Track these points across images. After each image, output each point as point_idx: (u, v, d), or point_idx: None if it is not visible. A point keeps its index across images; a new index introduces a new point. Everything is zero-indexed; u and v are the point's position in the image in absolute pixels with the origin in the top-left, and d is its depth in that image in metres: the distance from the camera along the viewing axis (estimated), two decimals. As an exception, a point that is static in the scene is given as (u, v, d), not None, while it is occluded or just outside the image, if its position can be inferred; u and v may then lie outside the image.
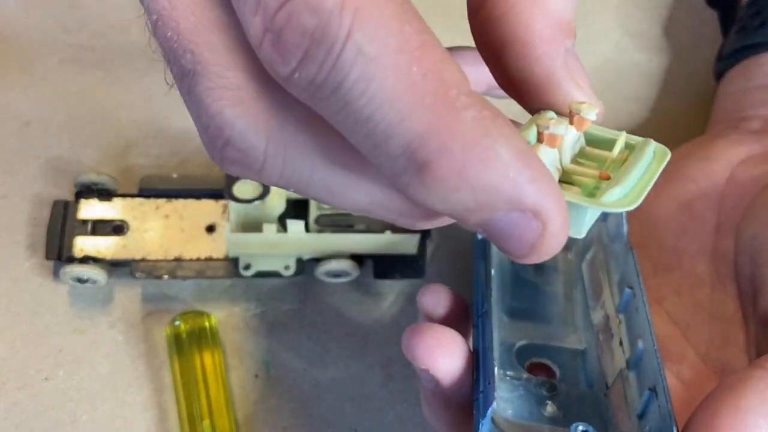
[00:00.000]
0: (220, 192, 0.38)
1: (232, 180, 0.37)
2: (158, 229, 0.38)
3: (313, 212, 0.38)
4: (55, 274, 0.39)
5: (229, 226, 0.37)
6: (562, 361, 0.32)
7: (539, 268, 0.35)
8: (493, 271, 0.32)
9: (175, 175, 0.40)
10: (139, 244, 0.38)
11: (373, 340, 0.38)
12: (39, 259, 0.39)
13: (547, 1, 0.22)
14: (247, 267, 0.37)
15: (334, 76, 0.18)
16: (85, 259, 0.37)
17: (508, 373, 0.31)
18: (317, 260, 0.38)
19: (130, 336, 0.37)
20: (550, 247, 0.19)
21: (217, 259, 0.38)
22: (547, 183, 0.18)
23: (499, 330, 0.33)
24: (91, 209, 0.39)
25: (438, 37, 0.18)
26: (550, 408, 0.30)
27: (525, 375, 0.31)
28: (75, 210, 0.39)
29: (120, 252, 0.38)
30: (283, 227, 0.37)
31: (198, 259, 0.38)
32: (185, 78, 0.21)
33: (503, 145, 0.18)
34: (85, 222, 0.38)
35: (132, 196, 0.39)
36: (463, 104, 0.18)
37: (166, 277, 0.37)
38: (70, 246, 0.38)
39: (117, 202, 0.39)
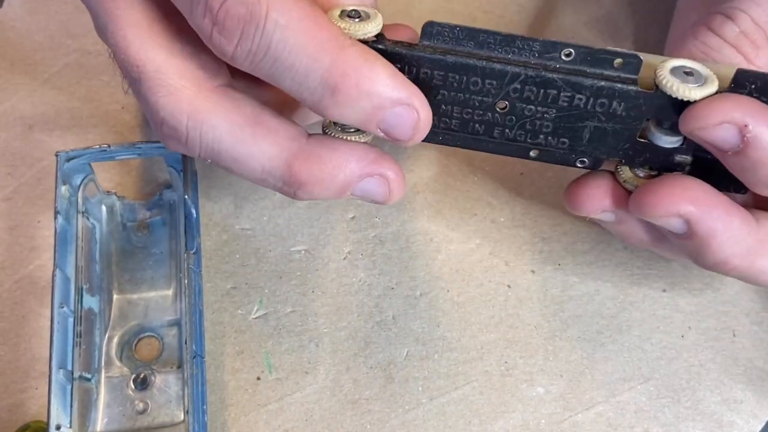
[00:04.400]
0: None
1: None
2: None
3: None
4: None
5: None
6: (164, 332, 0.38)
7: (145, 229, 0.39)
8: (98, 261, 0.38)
9: None
10: None
11: (374, 343, 0.38)
12: (43, 262, 0.40)
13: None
14: None
15: (264, 42, 0.27)
16: None
17: (109, 374, 0.36)
18: None
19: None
20: (424, 128, 0.29)
21: None
22: (412, 87, 0.28)
23: (103, 321, 0.37)
24: None
25: None
26: (140, 405, 0.35)
27: (125, 370, 0.36)
28: None
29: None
30: None
31: None
32: (134, 83, 0.30)
33: (380, 67, 0.27)
34: None
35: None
36: (349, 44, 0.27)
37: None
38: None
39: None
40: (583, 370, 0.38)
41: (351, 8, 0.29)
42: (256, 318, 0.39)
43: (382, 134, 0.29)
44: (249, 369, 0.38)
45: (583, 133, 0.31)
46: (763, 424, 0.37)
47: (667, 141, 0.30)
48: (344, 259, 0.40)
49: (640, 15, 0.47)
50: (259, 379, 0.38)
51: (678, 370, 0.38)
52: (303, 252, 0.40)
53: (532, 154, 0.32)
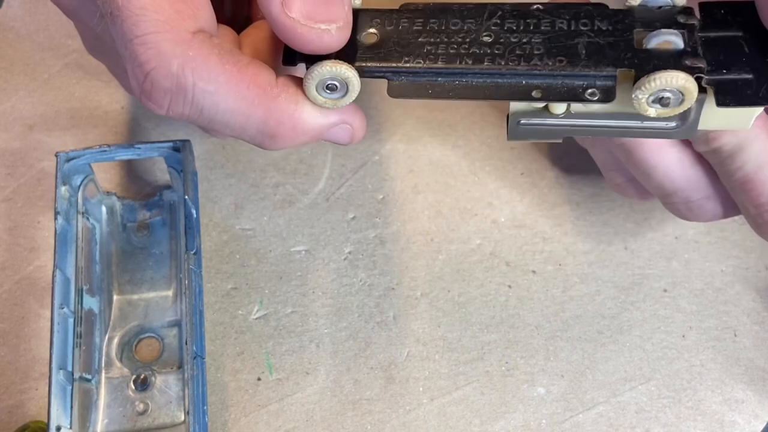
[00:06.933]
0: None
1: None
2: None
3: None
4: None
5: None
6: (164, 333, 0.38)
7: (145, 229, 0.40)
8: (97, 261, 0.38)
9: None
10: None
11: (375, 344, 0.38)
12: (42, 262, 0.40)
13: None
14: None
15: (195, 108, 0.28)
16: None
17: (109, 374, 0.36)
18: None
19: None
20: (360, 134, 0.32)
21: None
22: (339, 110, 0.30)
23: (102, 323, 0.37)
24: None
25: None
26: (140, 406, 0.36)
27: (125, 371, 0.37)
28: None
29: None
30: None
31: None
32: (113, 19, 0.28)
33: (307, 105, 0.29)
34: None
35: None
36: (276, 93, 0.29)
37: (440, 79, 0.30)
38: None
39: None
40: (584, 370, 0.38)
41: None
42: (256, 318, 0.39)
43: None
44: (249, 370, 0.38)
45: (578, 49, 0.29)
46: (765, 423, 0.37)
47: (662, 39, 0.29)
48: (345, 259, 0.40)
49: None
50: (259, 379, 0.38)
51: (679, 370, 0.38)
52: (303, 252, 0.40)
53: (534, 94, 0.30)
